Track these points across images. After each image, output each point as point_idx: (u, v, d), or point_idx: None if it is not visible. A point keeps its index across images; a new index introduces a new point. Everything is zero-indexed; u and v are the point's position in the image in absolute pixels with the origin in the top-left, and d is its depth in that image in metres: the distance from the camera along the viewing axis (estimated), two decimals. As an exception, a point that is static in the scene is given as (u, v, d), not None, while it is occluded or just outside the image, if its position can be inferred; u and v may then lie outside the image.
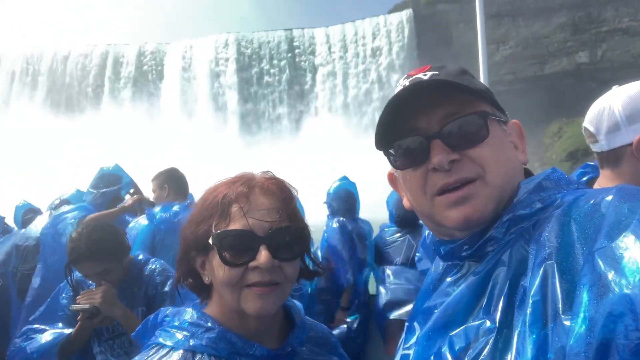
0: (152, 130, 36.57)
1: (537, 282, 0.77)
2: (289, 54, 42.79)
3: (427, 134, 0.99)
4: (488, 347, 0.83)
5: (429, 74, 1.02)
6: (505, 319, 0.83)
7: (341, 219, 4.82)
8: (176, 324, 1.22)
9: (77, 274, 2.67)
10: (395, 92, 1.03)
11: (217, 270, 1.18)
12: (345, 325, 4.69)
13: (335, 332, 4.42)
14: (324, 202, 5.05)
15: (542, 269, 0.78)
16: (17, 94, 42.40)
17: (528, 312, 0.76)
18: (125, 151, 26.79)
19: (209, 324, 1.20)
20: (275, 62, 42.74)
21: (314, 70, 42.36)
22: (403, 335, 1.14)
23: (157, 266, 2.74)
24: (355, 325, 4.69)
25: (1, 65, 43.60)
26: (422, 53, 38.46)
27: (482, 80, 10.07)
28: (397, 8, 44.28)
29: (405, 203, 1.13)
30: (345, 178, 5.12)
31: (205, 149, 33.33)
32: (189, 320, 1.22)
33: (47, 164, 30.50)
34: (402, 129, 1.03)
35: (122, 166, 4.71)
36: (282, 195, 1.23)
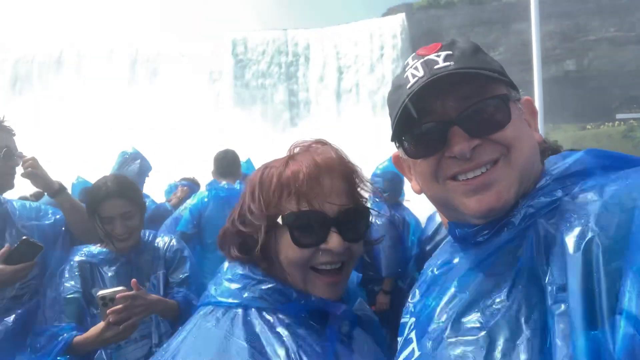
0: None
1: (577, 277, 0.73)
2: (283, 54, 43.02)
3: (444, 120, 0.95)
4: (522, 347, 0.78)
5: (442, 54, 0.96)
6: (534, 314, 0.80)
7: (389, 206, 4.62)
8: (228, 276, 1.20)
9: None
10: (406, 76, 0.98)
11: (285, 248, 1.16)
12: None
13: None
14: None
15: (581, 262, 0.74)
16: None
17: (570, 311, 0.72)
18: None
19: (261, 277, 1.17)
20: (269, 62, 42.98)
21: (307, 70, 42.66)
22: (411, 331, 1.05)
23: (169, 237, 2.82)
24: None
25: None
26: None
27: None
28: (390, 12, 44.73)
29: (414, 186, 1.10)
30: (391, 159, 4.95)
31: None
32: (241, 272, 1.19)
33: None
34: (417, 115, 0.96)
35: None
36: (349, 176, 1.22)
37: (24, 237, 2.42)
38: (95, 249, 2.60)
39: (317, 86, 42.15)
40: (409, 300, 1.15)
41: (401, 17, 41.98)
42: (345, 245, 1.15)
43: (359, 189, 1.26)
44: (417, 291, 1.13)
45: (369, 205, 1.28)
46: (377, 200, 4.73)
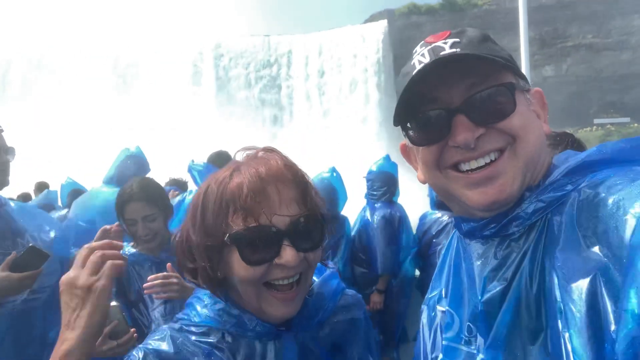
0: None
1: (584, 282, 0.73)
2: (266, 61, 43.06)
3: (449, 107, 0.92)
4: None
5: (449, 41, 0.94)
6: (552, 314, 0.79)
7: (384, 204, 4.70)
8: (200, 295, 1.22)
9: None
10: (413, 63, 0.96)
11: (236, 267, 1.10)
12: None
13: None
14: (364, 177, 4.91)
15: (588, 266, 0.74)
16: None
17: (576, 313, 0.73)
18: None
19: (221, 299, 1.18)
20: (252, 67, 42.97)
21: (290, 76, 42.75)
22: (431, 322, 1.11)
23: None
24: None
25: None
26: (397, 62, 39.26)
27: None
28: (373, 18, 45.13)
29: (419, 176, 1.07)
30: (387, 158, 4.86)
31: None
32: (209, 295, 1.20)
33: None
34: (422, 101, 0.95)
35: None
36: (298, 183, 1.14)
37: (30, 245, 2.34)
38: (128, 248, 2.68)
39: (300, 91, 42.24)
40: (428, 295, 1.17)
41: (383, 23, 42.38)
42: (300, 257, 1.09)
43: (312, 195, 1.17)
44: (432, 286, 1.15)
45: (323, 212, 1.19)
46: (372, 198, 4.83)
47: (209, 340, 1.14)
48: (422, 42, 1.00)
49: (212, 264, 1.12)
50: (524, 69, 9.45)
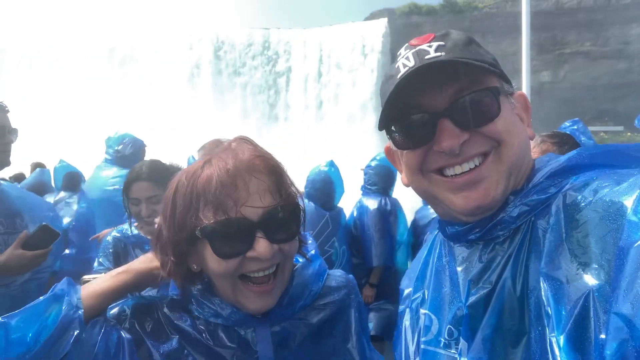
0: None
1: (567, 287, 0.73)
2: (265, 55, 42.90)
3: (433, 111, 0.92)
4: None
5: (434, 44, 0.94)
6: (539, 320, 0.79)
7: (380, 197, 4.77)
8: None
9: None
10: (398, 66, 0.95)
11: (210, 261, 1.09)
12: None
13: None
14: (362, 169, 5.00)
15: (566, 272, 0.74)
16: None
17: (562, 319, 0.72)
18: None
19: (198, 286, 1.19)
20: (250, 61, 42.81)
21: (289, 71, 42.64)
22: (414, 325, 1.10)
23: None
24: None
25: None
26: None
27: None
28: (373, 16, 45.06)
29: (403, 179, 1.07)
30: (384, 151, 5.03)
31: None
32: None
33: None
34: (406, 105, 0.95)
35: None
36: (271, 173, 1.12)
37: (43, 224, 2.38)
38: (128, 229, 2.69)
39: (299, 85, 42.12)
40: (409, 297, 1.16)
41: (383, 22, 42.30)
42: (275, 249, 1.07)
43: (287, 185, 1.15)
44: (412, 288, 1.14)
45: (300, 201, 1.18)
46: (369, 191, 4.84)
47: (186, 317, 1.17)
48: (407, 44, 0.99)
49: (180, 259, 1.12)
50: (525, 73, 9.50)
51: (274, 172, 1.13)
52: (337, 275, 1.36)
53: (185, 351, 1.11)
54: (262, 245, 1.05)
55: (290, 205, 1.12)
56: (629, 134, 36.90)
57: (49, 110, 35.39)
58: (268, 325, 1.16)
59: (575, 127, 2.98)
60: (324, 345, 1.23)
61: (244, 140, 1.18)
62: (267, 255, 1.06)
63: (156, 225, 1.21)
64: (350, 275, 1.40)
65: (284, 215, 1.09)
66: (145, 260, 1.22)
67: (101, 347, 1.05)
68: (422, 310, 1.08)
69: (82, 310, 1.06)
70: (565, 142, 2.52)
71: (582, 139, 2.86)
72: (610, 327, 0.64)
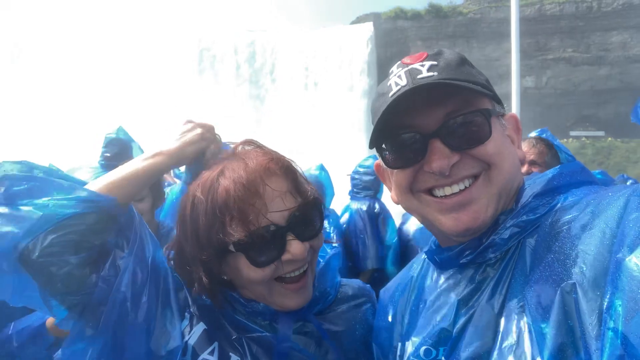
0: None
1: (555, 303, 0.73)
2: (250, 56, 42.87)
3: (424, 132, 0.92)
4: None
5: (426, 64, 0.93)
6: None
7: (368, 200, 4.78)
8: None
9: None
10: (390, 84, 0.95)
11: (245, 271, 1.09)
12: None
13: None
14: (348, 175, 5.00)
15: (560, 290, 0.73)
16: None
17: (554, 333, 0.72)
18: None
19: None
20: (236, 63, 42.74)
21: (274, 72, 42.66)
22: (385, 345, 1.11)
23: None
24: None
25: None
26: (381, 65, 39.48)
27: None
28: (359, 20, 45.34)
29: (393, 197, 1.07)
30: (374, 158, 4.81)
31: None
32: None
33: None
34: (398, 125, 0.94)
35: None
36: (287, 174, 1.13)
37: None
38: None
39: (284, 88, 42.14)
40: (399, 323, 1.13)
41: (369, 26, 42.56)
42: (307, 247, 1.10)
43: (304, 182, 1.16)
44: (405, 315, 1.11)
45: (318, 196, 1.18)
46: (356, 195, 4.90)
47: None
48: (399, 62, 0.98)
49: (211, 275, 1.11)
50: (514, 79, 9.53)
51: (290, 172, 1.14)
52: (354, 284, 1.39)
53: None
54: (295, 247, 1.07)
55: (311, 201, 1.13)
56: (609, 138, 37.62)
57: (49, 110, 35.08)
58: (291, 320, 1.18)
59: (544, 135, 3.20)
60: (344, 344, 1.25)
61: (250, 143, 1.20)
62: (302, 255, 1.08)
63: (169, 253, 1.21)
64: (367, 285, 1.42)
65: (307, 212, 1.11)
66: (174, 139, 1.22)
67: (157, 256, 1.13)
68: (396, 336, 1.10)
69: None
70: (550, 145, 2.77)
71: (556, 143, 3.11)
72: (605, 343, 0.63)
